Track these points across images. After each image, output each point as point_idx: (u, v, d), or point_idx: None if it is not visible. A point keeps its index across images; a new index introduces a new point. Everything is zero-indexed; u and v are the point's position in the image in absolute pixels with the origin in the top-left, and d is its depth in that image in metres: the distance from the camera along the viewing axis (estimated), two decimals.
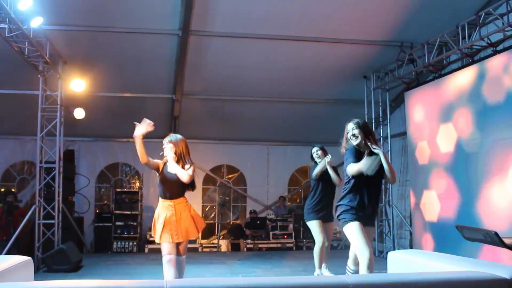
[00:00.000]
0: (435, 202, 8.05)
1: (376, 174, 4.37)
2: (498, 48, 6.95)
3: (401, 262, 4.38)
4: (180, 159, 5.08)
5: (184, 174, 4.96)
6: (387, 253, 9.53)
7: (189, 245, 10.94)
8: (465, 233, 3.99)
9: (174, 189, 5.05)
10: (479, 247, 6.70)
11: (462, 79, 7.56)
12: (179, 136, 5.20)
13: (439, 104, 8.10)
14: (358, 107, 10.70)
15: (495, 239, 3.59)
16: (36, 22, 7.01)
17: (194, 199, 12.17)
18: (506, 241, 3.64)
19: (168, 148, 5.07)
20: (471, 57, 7.53)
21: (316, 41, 9.03)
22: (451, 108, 7.76)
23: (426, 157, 8.39)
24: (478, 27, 7.26)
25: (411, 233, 9.63)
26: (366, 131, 4.56)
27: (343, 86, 10.61)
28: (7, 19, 6.55)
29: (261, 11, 8.34)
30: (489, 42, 7.06)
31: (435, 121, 8.19)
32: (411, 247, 9.66)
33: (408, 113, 9.13)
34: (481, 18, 7.15)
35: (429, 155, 8.33)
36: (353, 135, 4.58)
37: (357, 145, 4.56)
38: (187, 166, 5.05)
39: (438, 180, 8.02)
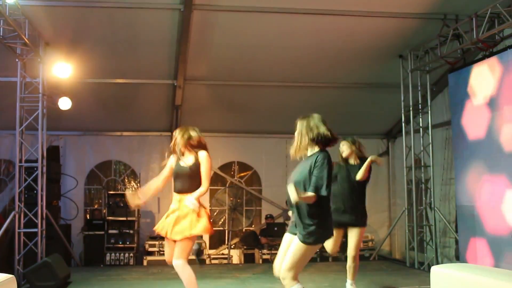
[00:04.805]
0: None
1: None
2: None
3: (447, 279, 4.31)
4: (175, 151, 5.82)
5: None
6: (428, 265, 9.56)
7: (195, 256, 11.00)
8: None
9: (183, 183, 5.70)
10: None
11: None
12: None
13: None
14: (393, 92, 10.62)
15: None
16: None
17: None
18: None
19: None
20: None
21: (343, 14, 8.91)
22: None
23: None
24: None
25: (457, 241, 9.53)
26: None
27: (374, 68, 10.52)
28: None
29: None
30: None
31: (489, 111, 8.04)
32: (457, 258, 9.57)
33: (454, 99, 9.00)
34: None
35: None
36: None
37: None
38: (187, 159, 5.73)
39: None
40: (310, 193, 4.51)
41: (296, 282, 4.61)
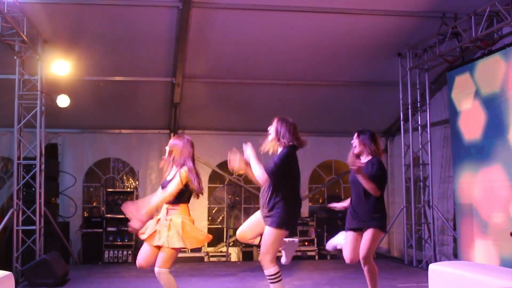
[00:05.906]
0: None
1: None
2: None
3: (445, 276, 4.32)
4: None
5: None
6: (426, 263, 9.57)
7: (193, 254, 11.01)
8: None
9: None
10: None
11: None
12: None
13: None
14: (392, 90, 10.60)
15: None
16: None
17: (199, 201, 12.11)
18: None
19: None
20: None
21: (341, 12, 8.91)
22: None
23: None
24: None
25: (455, 239, 9.54)
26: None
27: (373, 66, 10.51)
28: None
29: None
30: None
31: (489, 109, 8.02)
32: (455, 256, 9.58)
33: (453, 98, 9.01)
34: None
35: None
36: None
37: None
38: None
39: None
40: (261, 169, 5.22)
41: (273, 266, 5.08)
